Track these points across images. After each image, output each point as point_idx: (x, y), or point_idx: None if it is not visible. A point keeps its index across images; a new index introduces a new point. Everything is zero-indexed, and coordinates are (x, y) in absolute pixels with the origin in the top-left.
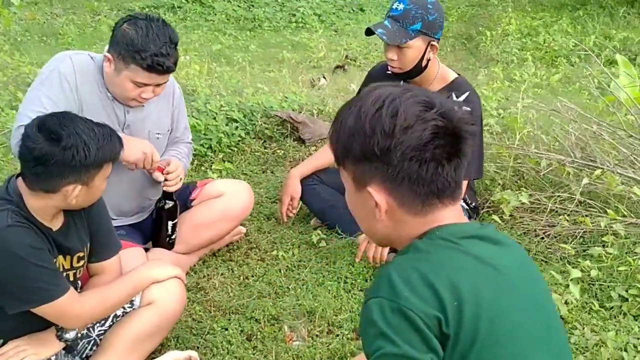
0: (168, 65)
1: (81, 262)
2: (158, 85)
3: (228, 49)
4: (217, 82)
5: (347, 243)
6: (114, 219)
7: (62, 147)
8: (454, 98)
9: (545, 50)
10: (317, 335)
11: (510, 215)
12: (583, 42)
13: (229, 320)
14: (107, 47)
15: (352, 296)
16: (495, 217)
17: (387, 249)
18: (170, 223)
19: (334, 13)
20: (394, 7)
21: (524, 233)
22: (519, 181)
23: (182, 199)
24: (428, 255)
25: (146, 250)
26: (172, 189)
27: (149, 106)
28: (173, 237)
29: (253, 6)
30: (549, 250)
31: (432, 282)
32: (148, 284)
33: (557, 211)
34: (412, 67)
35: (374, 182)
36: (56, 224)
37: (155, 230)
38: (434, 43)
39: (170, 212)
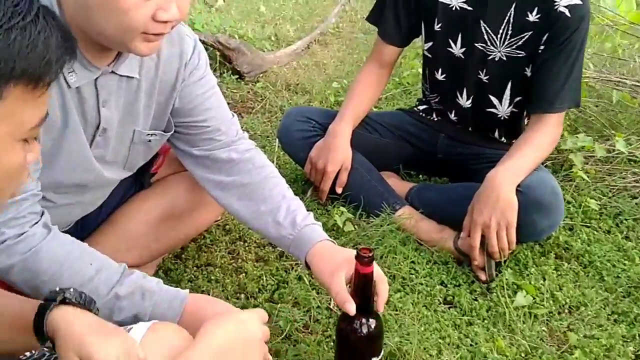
0: None
1: None
2: None
3: None
4: None
5: (388, 225)
6: None
7: None
8: None
9: None
10: None
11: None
12: None
13: None
14: None
15: (440, 316)
16: (581, 173)
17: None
18: None
19: None
20: None
21: (614, 194)
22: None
23: (140, 179)
24: None
25: None
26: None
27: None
28: None
29: None
30: None
31: None
32: None
33: (636, 161)
34: None
35: None
36: None
37: None
38: None
39: (371, 341)
